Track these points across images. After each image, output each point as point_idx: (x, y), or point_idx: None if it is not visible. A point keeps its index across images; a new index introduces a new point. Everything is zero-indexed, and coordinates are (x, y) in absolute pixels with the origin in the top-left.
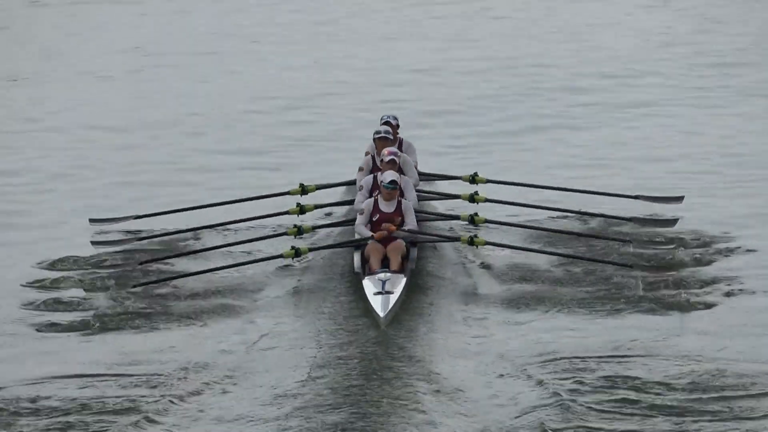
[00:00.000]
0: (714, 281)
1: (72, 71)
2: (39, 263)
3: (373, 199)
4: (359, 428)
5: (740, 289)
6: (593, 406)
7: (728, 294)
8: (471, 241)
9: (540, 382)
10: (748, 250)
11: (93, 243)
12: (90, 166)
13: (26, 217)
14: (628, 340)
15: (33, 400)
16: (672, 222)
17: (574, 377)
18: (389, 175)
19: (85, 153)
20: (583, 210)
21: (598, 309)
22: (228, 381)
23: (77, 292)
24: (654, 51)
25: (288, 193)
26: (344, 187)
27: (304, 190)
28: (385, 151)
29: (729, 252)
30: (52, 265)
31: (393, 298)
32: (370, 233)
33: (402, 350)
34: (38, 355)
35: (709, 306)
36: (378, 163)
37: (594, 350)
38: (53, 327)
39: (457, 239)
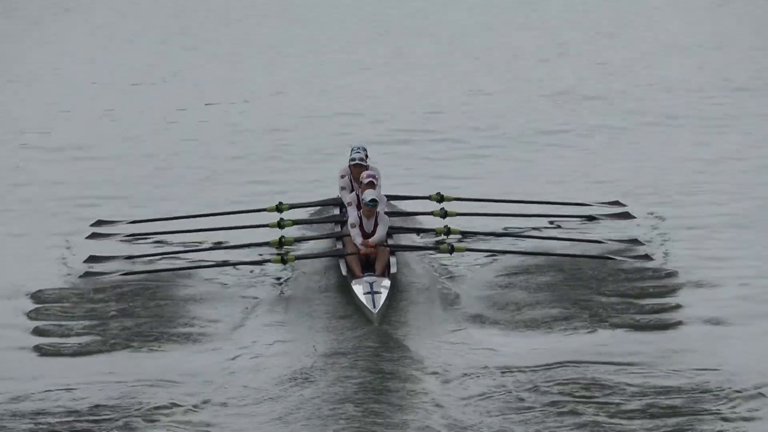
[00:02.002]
0: (689, 289)
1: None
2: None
3: (357, 214)
4: (363, 420)
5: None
6: (579, 402)
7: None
8: (451, 250)
9: (521, 375)
10: (724, 259)
11: (87, 269)
12: (73, 181)
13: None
14: (606, 342)
15: (35, 415)
16: (646, 257)
17: (556, 366)
18: (369, 194)
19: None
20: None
21: (572, 310)
22: (228, 385)
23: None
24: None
25: (264, 209)
26: (318, 207)
27: (278, 208)
28: (364, 174)
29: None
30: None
31: (382, 297)
32: (360, 245)
33: (395, 343)
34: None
35: (684, 315)
36: (357, 185)
37: (572, 347)
38: (41, 345)
39: (436, 249)
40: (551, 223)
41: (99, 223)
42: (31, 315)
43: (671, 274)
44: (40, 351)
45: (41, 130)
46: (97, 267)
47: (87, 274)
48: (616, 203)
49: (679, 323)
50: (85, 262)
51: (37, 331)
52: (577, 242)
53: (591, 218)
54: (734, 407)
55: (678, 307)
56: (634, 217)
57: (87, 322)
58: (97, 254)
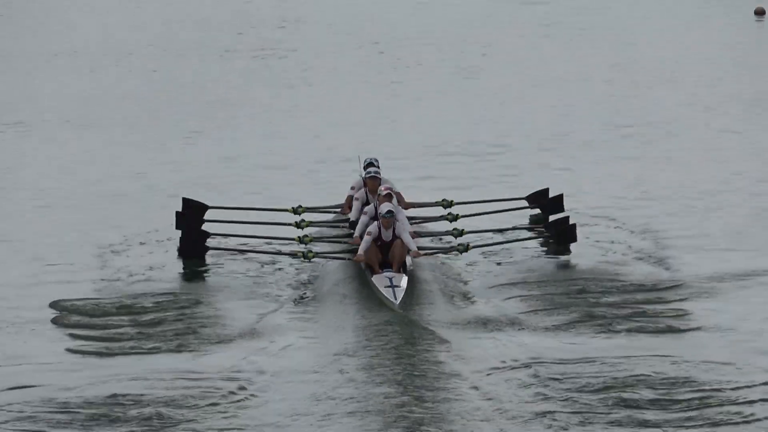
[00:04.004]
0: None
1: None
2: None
3: (377, 224)
4: (398, 402)
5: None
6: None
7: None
8: (466, 249)
9: (531, 370)
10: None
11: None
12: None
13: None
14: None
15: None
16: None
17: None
18: (386, 206)
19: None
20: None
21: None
22: (263, 377)
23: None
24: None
25: (285, 210)
26: (332, 213)
27: (295, 210)
28: (382, 187)
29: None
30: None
31: (402, 291)
32: (361, 254)
33: (418, 329)
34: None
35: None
36: (371, 199)
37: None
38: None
39: (452, 250)
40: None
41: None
42: (63, 317)
43: (673, 282)
44: (76, 350)
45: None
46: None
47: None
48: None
49: (687, 324)
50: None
51: (69, 331)
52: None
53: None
54: (748, 405)
55: (685, 311)
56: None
57: (118, 321)
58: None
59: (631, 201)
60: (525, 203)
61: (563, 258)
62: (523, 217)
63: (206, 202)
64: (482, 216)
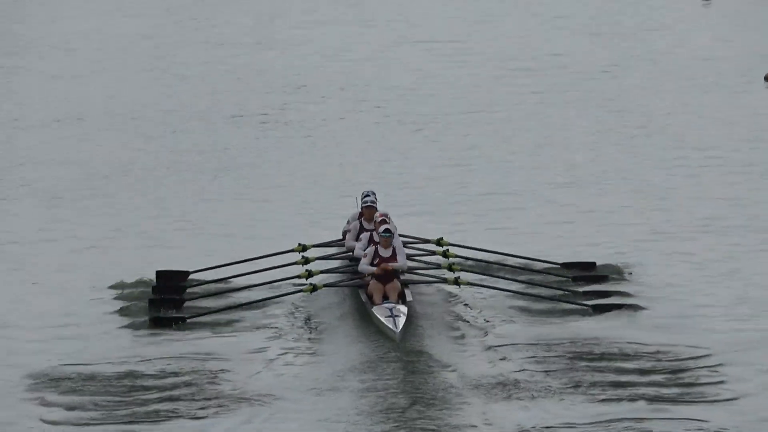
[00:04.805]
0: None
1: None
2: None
3: (373, 247)
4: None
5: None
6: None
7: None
8: (456, 282)
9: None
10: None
11: (151, 321)
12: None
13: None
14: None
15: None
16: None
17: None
18: (384, 227)
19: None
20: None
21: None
22: (263, 409)
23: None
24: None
25: (291, 251)
26: (336, 247)
27: (303, 248)
28: (377, 214)
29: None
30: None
31: (402, 319)
32: (372, 268)
33: (418, 356)
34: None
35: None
36: (367, 226)
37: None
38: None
39: (444, 281)
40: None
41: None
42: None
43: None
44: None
45: None
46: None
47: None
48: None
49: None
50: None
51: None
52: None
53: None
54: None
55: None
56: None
57: (120, 360)
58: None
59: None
60: (562, 270)
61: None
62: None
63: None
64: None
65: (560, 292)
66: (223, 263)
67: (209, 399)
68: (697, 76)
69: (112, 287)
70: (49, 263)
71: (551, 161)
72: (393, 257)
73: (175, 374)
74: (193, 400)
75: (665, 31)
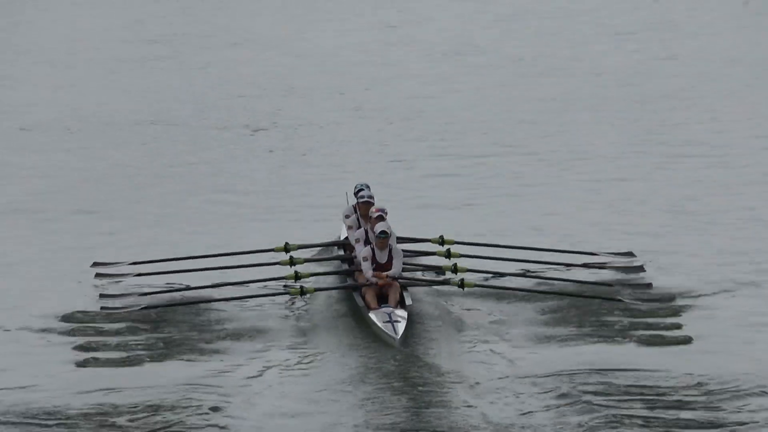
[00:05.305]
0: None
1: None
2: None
3: (370, 248)
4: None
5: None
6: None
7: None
8: (461, 284)
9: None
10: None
11: (102, 305)
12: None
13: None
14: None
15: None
16: (638, 269)
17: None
18: (380, 226)
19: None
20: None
21: (576, 334)
22: (253, 409)
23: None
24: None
25: (272, 249)
26: (322, 248)
27: (286, 248)
28: (373, 208)
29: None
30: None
31: (402, 325)
32: (375, 279)
33: (419, 362)
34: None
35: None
36: (365, 221)
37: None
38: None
39: (447, 283)
40: (557, 268)
41: (96, 264)
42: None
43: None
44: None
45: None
46: (111, 302)
47: (103, 308)
48: (629, 254)
49: (687, 342)
50: (100, 299)
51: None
52: (582, 283)
53: (601, 267)
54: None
55: (684, 332)
56: (645, 271)
57: (103, 356)
58: (108, 293)
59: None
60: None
61: (571, 291)
62: (533, 265)
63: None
64: (481, 259)
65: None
66: (202, 254)
67: (196, 414)
68: (732, 78)
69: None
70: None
71: (569, 156)
72: (389, 261)
73: (159, 391)
74: (180, 414)
75: (703, 30)
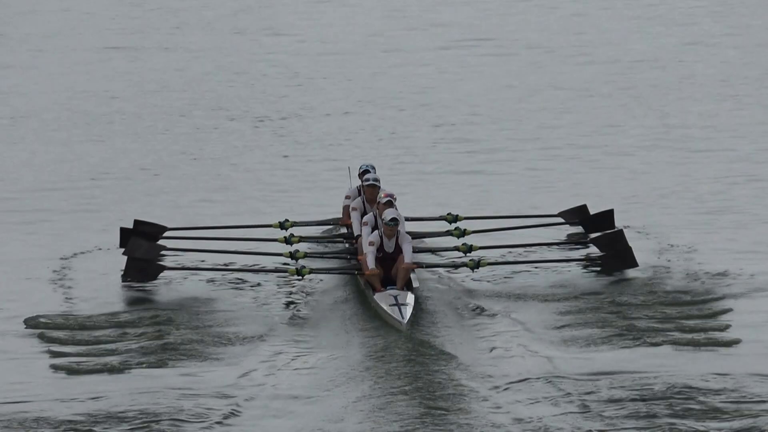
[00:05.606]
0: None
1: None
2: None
3: (378, 234)
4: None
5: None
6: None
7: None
8: (477, 265)
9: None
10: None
11: (123, 279)
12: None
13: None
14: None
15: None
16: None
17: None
18: (389, 213)
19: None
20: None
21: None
22: (258, 397)
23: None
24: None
25: (270, 225)
26: (322, 227)
27: (282, 225)
28: (383, 193)
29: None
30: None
31: (409, 309)
32: (372, 267)
33: (427, 347)
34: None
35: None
36: (371, 206)
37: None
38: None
39: (462, 265)
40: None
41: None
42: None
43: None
44: (64, 368)
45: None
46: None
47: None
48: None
49: (716, 330)
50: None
51: (60, 345)
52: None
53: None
54: None
55: (713, 315)
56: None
57: (108, 338)
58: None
59: (661, 211)
60: (558, 220)
61: (583, 272)
62: (551, 234)
63: (166, 224)
64: (495, 232)
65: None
66: (200, 225)
67: (198, 397)
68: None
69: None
70: None
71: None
72: (396, 251)
73: (158, 377)
74: (182, 402)
75: (733, 11)
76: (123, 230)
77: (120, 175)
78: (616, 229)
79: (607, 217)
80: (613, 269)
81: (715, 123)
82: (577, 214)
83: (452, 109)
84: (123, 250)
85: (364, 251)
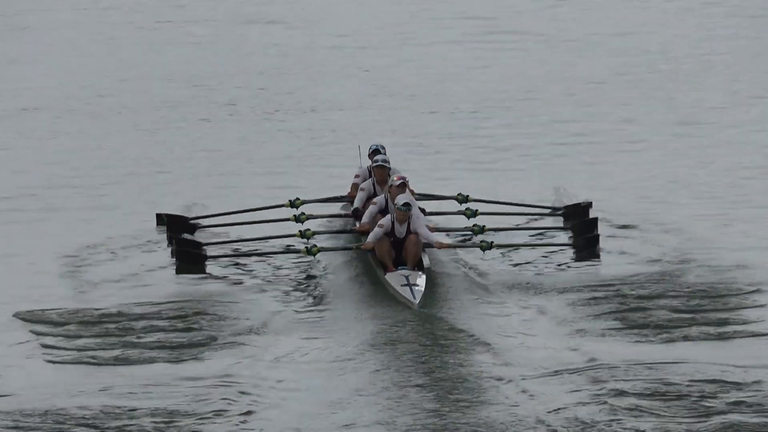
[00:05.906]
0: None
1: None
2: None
3: (389, 218)
4: (422, 401)
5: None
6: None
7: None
8: (489, 246)
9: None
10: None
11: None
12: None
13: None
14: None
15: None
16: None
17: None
18: (402, 198)
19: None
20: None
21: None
22: (269, 383)
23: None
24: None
25: (281, 206)
26: (332, 203)
27: (293, 204)
28: (395, 176)
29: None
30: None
31: (421, 289)
32: (371, 242)
33: (440, 326)
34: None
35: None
36: (381, 188)
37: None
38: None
39: (475, 246)
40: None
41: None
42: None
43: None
44: (76, 359)
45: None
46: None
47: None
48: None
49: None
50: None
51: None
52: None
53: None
54: None
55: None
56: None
57: (118, 331)
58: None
59: (661, 201)
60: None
61: (590, 257)
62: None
63: (184, 214)
64: (503, 216)
65: None
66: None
67: (212, 377)
68: None
69: None
70: None
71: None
72: (407, 237)
73: (173, 361)
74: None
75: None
76: (160, 216)
77: (132, 167)
78: (590, 218)
79: (585, 209)
80: (582, 257)
81: (729, 116)
82: (576, 211)
83: (465, 100)
84: (166, 244)
85: (369, 226)
